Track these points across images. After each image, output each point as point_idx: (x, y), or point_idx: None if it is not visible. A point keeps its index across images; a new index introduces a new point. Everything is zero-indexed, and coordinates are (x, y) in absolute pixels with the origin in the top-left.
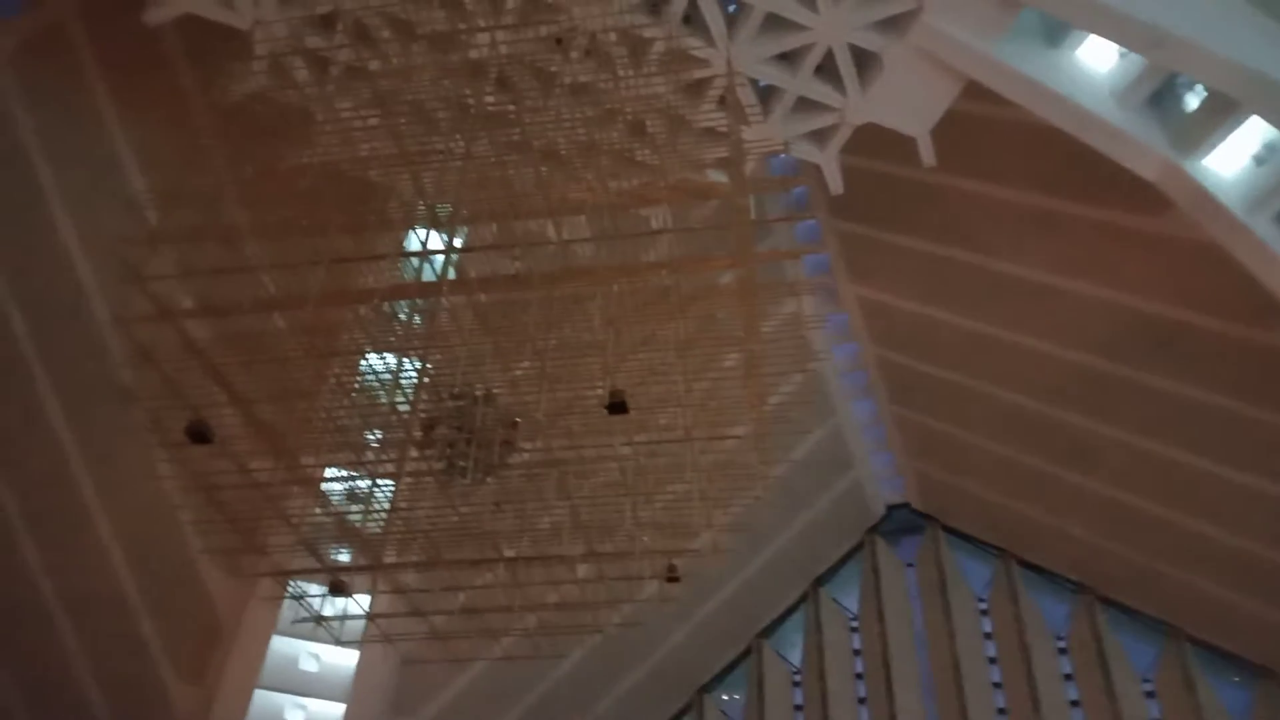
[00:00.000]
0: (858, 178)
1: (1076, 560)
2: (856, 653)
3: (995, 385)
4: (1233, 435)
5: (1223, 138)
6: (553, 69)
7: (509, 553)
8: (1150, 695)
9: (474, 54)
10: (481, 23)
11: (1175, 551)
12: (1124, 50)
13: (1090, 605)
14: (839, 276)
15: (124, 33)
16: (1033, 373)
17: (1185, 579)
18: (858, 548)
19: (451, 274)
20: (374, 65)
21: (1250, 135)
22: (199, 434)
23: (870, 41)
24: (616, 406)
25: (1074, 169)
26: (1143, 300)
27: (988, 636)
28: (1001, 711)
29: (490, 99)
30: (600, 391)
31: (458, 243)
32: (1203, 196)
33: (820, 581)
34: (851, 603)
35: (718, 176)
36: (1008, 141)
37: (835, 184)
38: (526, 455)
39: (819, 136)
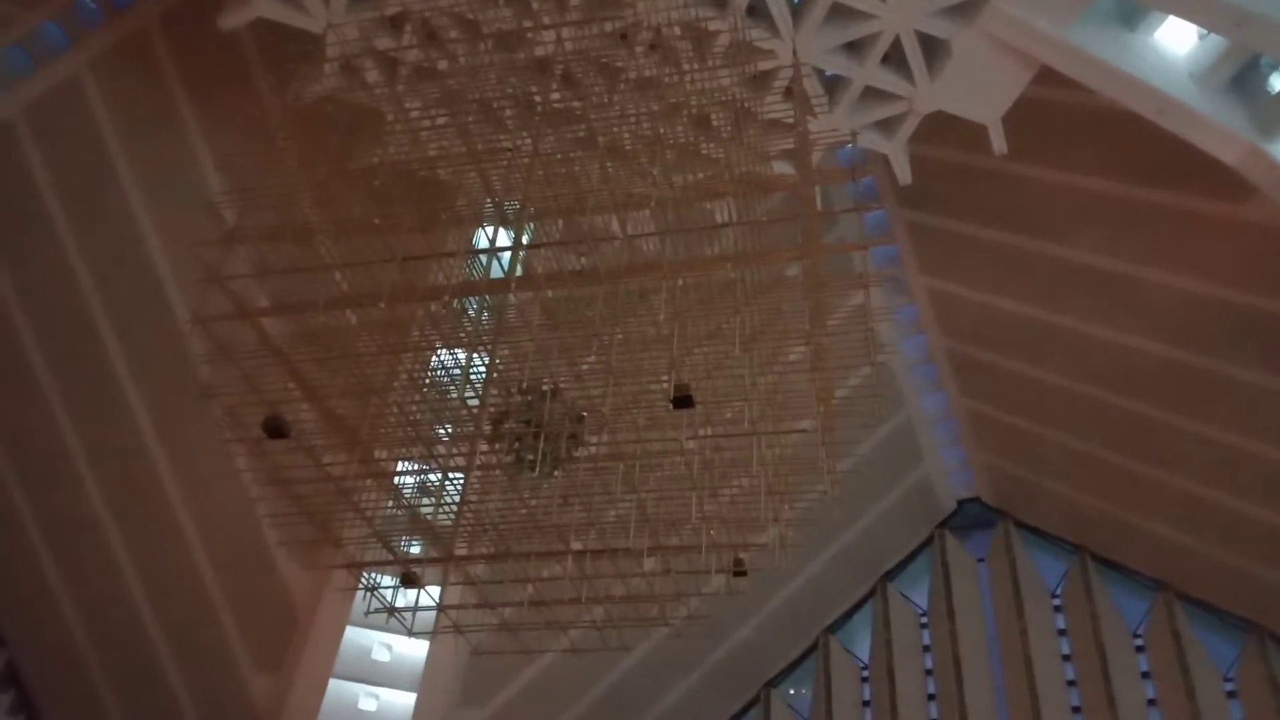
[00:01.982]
0: (927, 167)
1: (1154, 556)
2: (926, 649)
3: (1069, 377)
4: None
5: None
6: (618, 64)
7: (576, 546)
8: (1232, 695)
9: (540, 51)
10: (547, 20)
11: (1257, 547)
12: (1204, 31)
13: (1169, 602)
14: (908, 267)
15: (201, 38)
16: (1108, 364)
17: (1268, 575)
18: (927, 543)
19: (519, 270)
20: (442, 65)
21: None
22: (275, 429)
23: (939, 28)
24: (682, 400)
25: (1152, 154)
26: (1224, 289)
27: (1062, 633)
28: (1076, 710)
29: (556, 96)
30: (666, 385)
31: (525, 239)
32: None
33: (889, 577)
34: (921, 598)
35: (784, 168)
36: (1082, 127)
37: (904, 174)
38: (593, 449)
39: (887, 126)
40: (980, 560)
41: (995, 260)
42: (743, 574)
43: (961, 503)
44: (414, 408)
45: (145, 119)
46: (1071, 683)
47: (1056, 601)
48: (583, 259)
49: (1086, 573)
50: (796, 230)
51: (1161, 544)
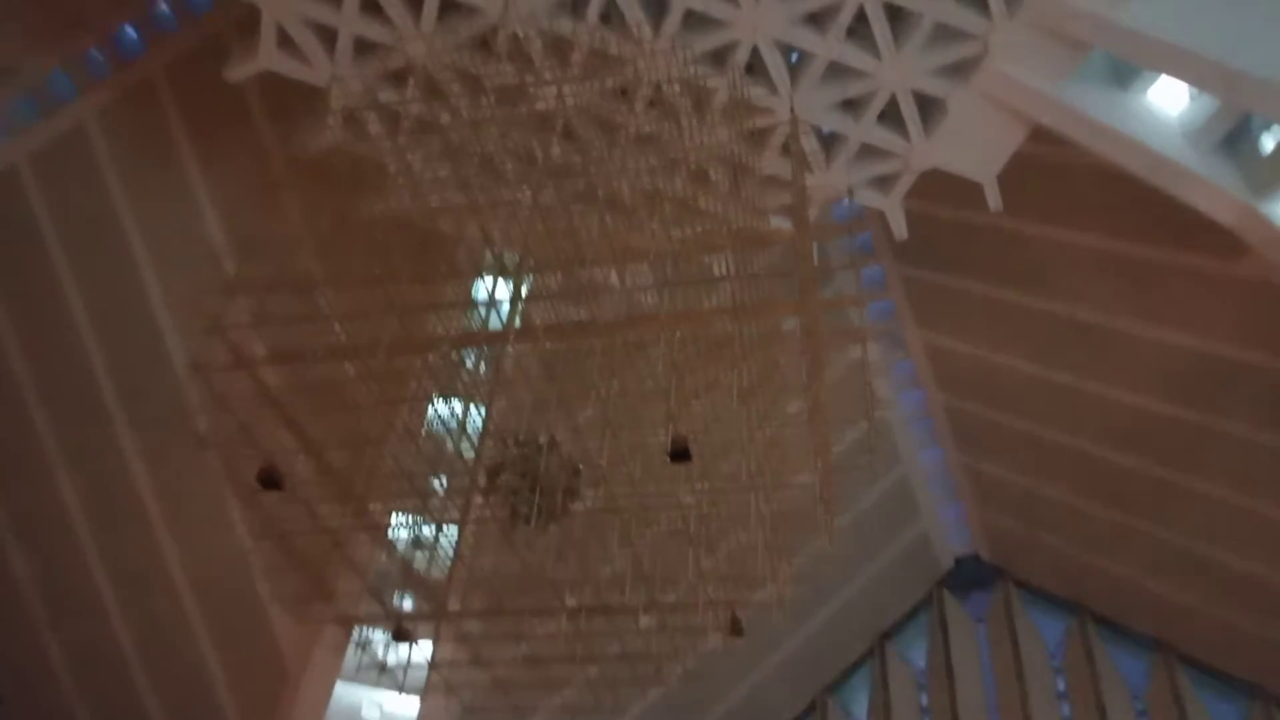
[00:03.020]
0: (922, 223)
1: (1155, 616)
2: (924, 710)
3: (1067, 433)
4: None
5: None
6: (617, 120)
7: (571, 602)
8: None
9: (541, 106)
10: (548, 76)
11: (1260, 608)
12: (1196, 91)
13: (1170, 663)
14: (905, 322)
15: (207, 89)
16: (1105, 420)
17: (1271, 637)
18: (925, 601)
19: (518, 322)
20: (444, 118)
21: None
22: (270, 480)
23: (934, 87)
24: (680, 453)
25: (1146, 212)
26: (1222, 345)
27: (1062, 696)
28: None
29: (557, 150)
30: (663, 438)
31: (524, 291)
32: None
33: (887, 636)
34: (919, 658)
35: (781, 223)
36: (1077, 185)
37: (900, 229)
38: (589, 503)
39: (883, 182)
40: (979, 620)
41: (992, 315)
42: (740, 633)
43: (959, 560)
44: (409, 459)
45: (149, 168)
46: None
47: (1056, 662)
48: (581, 311)
49: (1086, 633)
50: (794, 284)
51: (1162, 603)
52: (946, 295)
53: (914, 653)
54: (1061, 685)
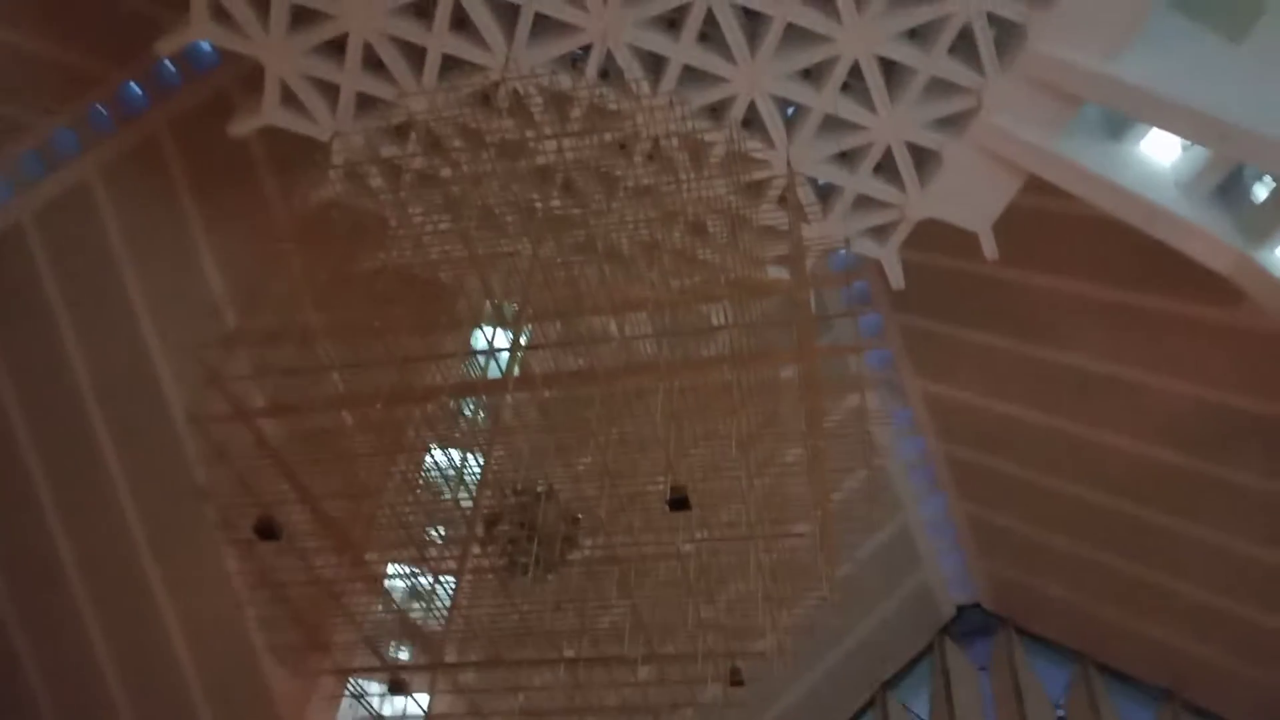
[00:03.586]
0: (920, 272)
1: (1161, 664)
2: None
3: (1068, 481)
4: None
5: None
6: (617, 173)
7: (569, 653)
8: None
9: (541, 160)
10: (548, 130)
11: (1265, 655)
12: (1188, 142)
13: (1176, 713)
14: (903, 371)
15: (210, 143)
16: (1107, 469)
17: (1276, 684)
18: (927, 650)
19: (517, 370)
20: (445, 172)
21: None
22: (267, 530)
23: (929, 140)
24: (678, 502)
25: (1142, 261)
26: (1222, 393)
27: None
28: None
29: (556, 202)
30: (662, 487)
31: (523, 340)
32: (1276, 287)
33: (888, 685)
34: (921, 708)
35: (779, 273)
36: (1073, 234)
37: (896, 279)
38: (587, 552)
39: (879, 232)
40: (982, 668)
41: (991, 364)
42: (740, 684)
43: (961, 609)
44: (407, 509)
45: (152, 223)
46: None
47: (1061, 712)
48: (580, 360)
49: (1090, 681)
50: (792, 333)
51: (1166, 651)
52: (945, 343)
53: (916, 701)
54: None
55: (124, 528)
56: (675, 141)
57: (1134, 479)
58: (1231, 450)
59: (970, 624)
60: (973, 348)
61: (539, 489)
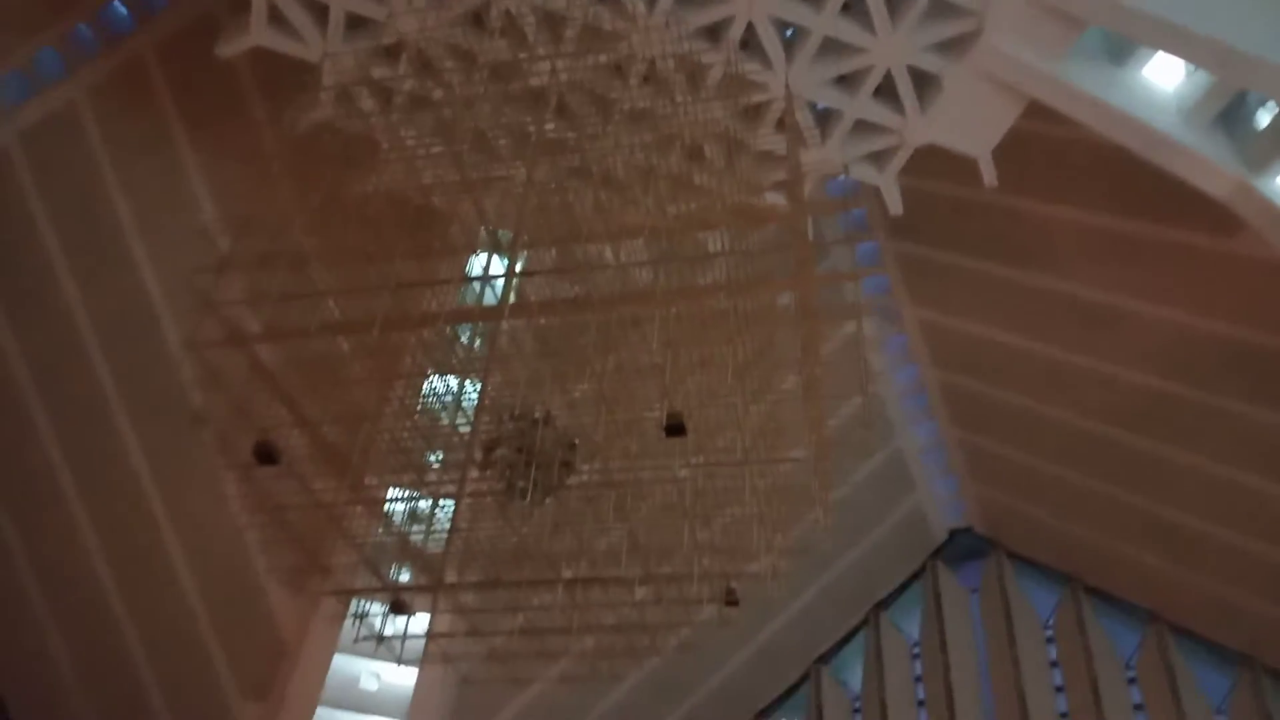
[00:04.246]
0: (918, 199)
1: (1147, 587)
2: (918, 680)
3: (1062, 409)
4: None
5: None
6: (612, 96)
7: (567, 574)
8: None
9: (534, 82)
10: (542, 51)
11: (1250, 580)
12: (1191, 67)
13: (1161, 634)
14: (899, 299)
15: (198, 67)
16: (1100, 396)
17: (1261, 608)
18: (919, 573)
19: (512, 298)
20: (437, 94)
21: None
22: (266, 454)
23: (930, 63)
24: (674, 428)
25: (1141, 188)
26: (1216, 322)
27: (1054, 665)
28: None
29: (550, 126)
30: (658, 413)
31: (518, 267)
32: (1275, 215)
33: (881, 607)
34: (913, 629)
35: (776, 199)
36: (1072, 161)
37: (895, 205)
38: (584, 477)
39: (878, 158)
40: (973, 590)
41: (987, 292)
42: (735, 604)
43: (953, 533)
44: (405, 434)
45: (140, 146)
46: (1064, 715)
47: (1049, 632)
48: (576, 287)
49: (1079, 604)
50: (789, 260)
51: (1154, 575)
52: (941, 271)
53: (908, 623)
54: (1053, 654)
55: (122, 453)
56: (672, 63)
57: (1126, 407)
58: (1225, 379)
59: (961, 547)
60: (969, 275)
61: (536, 415)
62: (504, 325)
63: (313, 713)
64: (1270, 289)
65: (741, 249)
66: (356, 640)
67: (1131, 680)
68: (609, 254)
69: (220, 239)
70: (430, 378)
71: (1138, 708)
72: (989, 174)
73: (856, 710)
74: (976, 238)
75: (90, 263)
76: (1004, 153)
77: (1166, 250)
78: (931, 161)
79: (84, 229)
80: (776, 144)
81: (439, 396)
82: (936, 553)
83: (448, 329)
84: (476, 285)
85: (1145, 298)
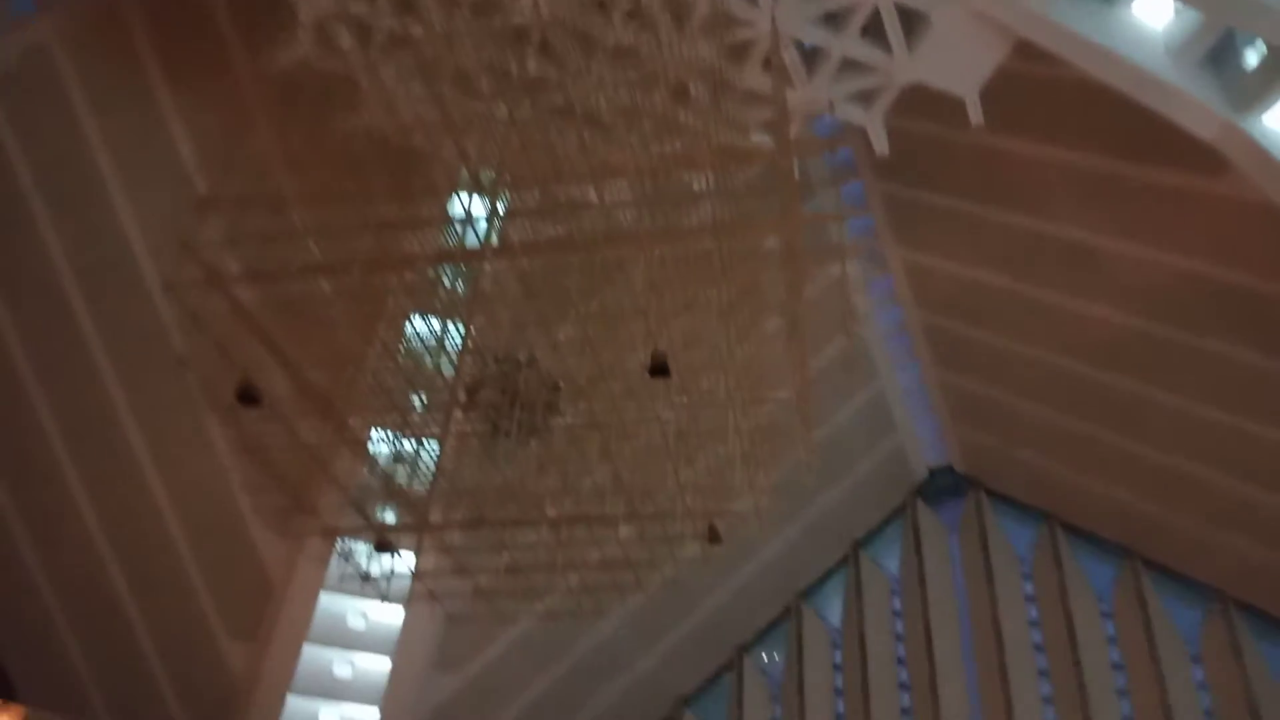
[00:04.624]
0: (904, 139)
1: (1123, 524)
2: (896, 615)
3: (1043, 349)
4: None
5: None
6: (595, 33)
7: (552, 512)
8: (1195, 660)
9: (516, 19)
10: None
11: (1225, 516)
12: (1180, 6)
13: (1135, 569)
14: (884, 240)
15: (174, 4)
16: (1081, 336)
17: (1233, 543)
18: (899, 511)
19: (495, 239)
20: (417, 32)
21: None
22: (248, 395)
23: (917, 1)
24: (658, 369)
25: (1129, 129)
26: (1198, 262)
27: (1030, 600)
28: (1043, 674)
29: (532, 64)
30: (643, 355)
31: (501, 208)
32: (1261, 156)
33: (861, 544)
34: (893, 565)
35: (762, 139)
36: (1059, 101)
37: (881, 145)
38: (569, 419)
39: (864, 98)
40: (951, 528)
41: (971, 232)
42: (718, 541)
43: (934, 472)
44: (388, 376)
45: (116, 86)
46: (1039, 648)
47: (1026, 568)
48: (559, 228)
49: (1055, 540)
50: (774, 201)
51: (1130, 512)
52: (926, 212)
53: (888, 559)
54: (1030, 589)
55: (106, 399)
56: (656, 0)
57: (1107, 346)
58: (1205, 319)
59: (941, 485)
60: (954, 216)
61: (520, 357)
62: (486, 267)
63: (299, 651)
64: (1253, 230)
65: (727, 190)
66: (343, 579)
67: (1106, 614)
68: (593, 194)
69: (198, 179)
70: (413, 320)
71: (1111, 640)
72: (975, 113)
73: (836, 644)
74: (962, 179)
75: (67, 203)
76: (990, 93)
77: (1151, 191)
78: (918, 101)
79: (60, 169)
80: (762, 83)
81: (422, 339)
82: (917, 492)
83: (430, 270)
84: (458, 226)
85: (1128, 238)
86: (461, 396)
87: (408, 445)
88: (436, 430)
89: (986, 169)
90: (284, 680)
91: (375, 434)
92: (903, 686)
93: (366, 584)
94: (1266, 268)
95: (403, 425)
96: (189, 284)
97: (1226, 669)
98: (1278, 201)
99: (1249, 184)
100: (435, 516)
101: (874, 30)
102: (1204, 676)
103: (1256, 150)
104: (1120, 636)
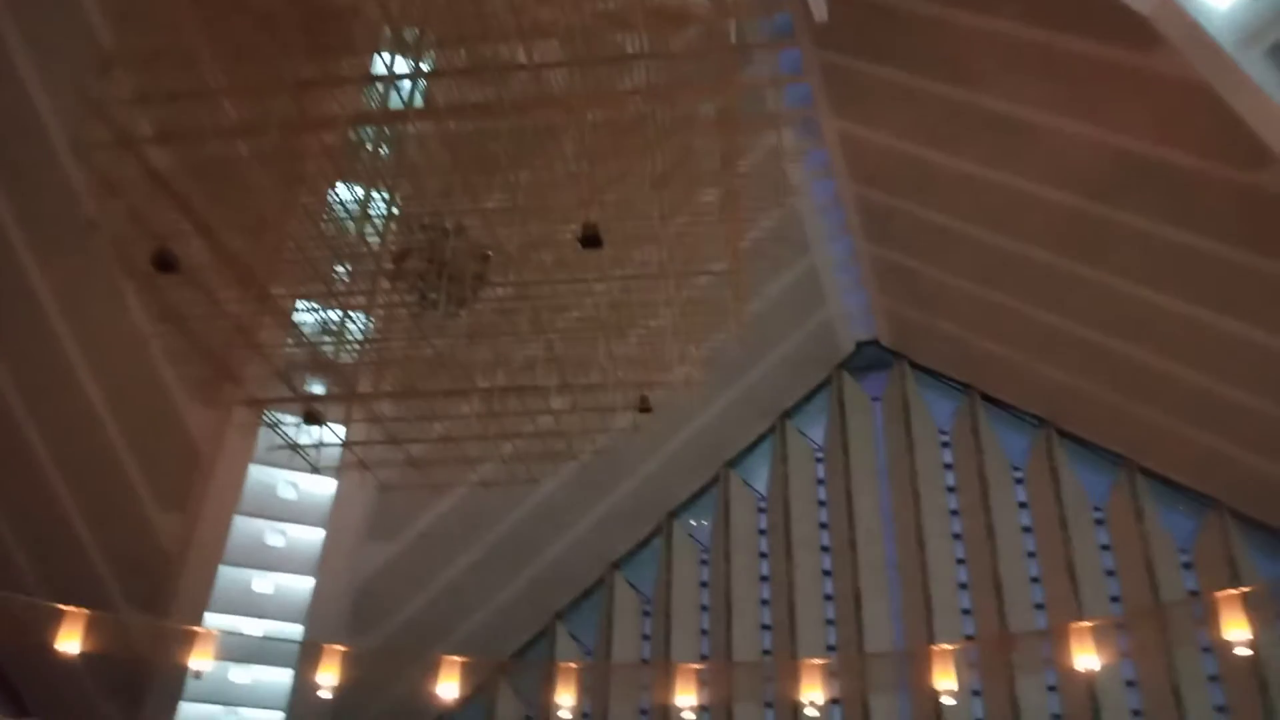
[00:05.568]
0: (843, 6)
1: (1041, 396)
2: (820, 482)
3: (975, 224)
4: (1211, 277)
5: None
6: None
7: (484, 383)
8: (1100, 523)
9: None
10: None
11: (1138, 388)
12: None
13: (1049, 438)
14: (821, 110)
15: None
16: (1010, 211)
17: (1141, 412)
18: (826, 383)
19: (419, 101)
20: None
21: None
22: (165, 262)
23: None
24: (590, 240)
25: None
26: (1128, 140)
27: (949, 467)
28: (957, 537)
29: None
30: (574, 226)
31: (425, 67)
32: (1194, 30)
33: (788, 415)
34: (818, 435)
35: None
36: None
37: (820, 12)
38: (500, 290)
39: None
40: (875, 399)
41: (907, 105)
42: (648, 411)
43: (860, 345)
44: (311, 244)
45: None
46: (955, 512)
47: (945, 438)
48: (487, 90)
49: (975, 411)
50: (710, 65)
51: (1047, 385)
52: (864, 82)
53: (813, 429)
54: (949, 457)
55: (16, 265)
56: None
57: (1039, 223)
58: (1128, 195)
59: (867, 359)
60: (892, 87)
61: (447, 225)
62: (410, 129)
63: (230, 521)
64: (1185, 107)
65: (661, 52)
66: (272, 450)
67: (1018, 480)
68: (521, 55)
69: (103, 33)
70: (335, 186)
71: (1023, 505)
72: None
73: (762, 510)
74: (901, 49)
75: None
76: None
77: (1088, 65)
78: None
79: None
80: None
81: (345, 205)
82: (843, 364)
83: (351, 132)
84: (380, 86)
85: (1063, 113)
86: (387, 265)
87: (333, 315)
88: (362, 300)
89: (926, 39)
90: (216, 551)
91: (301, 304)
92: (824, 549)
93: (296, 454)
94: (1196, 146)
95: (327, 295)
96: (98, 144)
97: (1128, 528)
98: (1208, 78)
99: (1181, 60)
100: (364, 387)
101: None
102: (1107, 539)
103: (1188, 23)
104: (1032, 501)
